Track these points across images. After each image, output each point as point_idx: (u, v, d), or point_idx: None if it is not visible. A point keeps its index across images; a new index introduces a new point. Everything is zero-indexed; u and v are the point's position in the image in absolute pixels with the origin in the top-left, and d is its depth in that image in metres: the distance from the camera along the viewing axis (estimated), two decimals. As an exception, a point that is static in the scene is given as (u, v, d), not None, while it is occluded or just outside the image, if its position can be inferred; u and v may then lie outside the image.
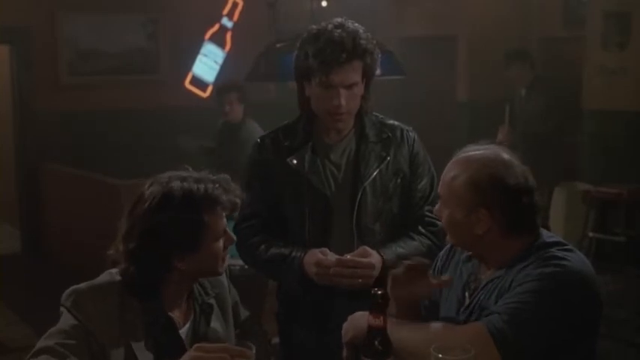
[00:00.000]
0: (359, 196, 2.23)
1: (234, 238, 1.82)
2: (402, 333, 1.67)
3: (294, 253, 2.20)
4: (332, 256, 2.15)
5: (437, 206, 1.87)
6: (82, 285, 1.71)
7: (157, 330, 1.71)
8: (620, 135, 6.17)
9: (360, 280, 2.13)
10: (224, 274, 1.93)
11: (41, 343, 1.62)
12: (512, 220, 1.73)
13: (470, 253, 1.88)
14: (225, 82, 5.26)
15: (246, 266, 3.30)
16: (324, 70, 2.13)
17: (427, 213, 2.30)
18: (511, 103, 5.98)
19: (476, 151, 1.79)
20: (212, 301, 1.87)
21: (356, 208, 2.23)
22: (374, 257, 2.16)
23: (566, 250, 1.71)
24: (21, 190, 6.51)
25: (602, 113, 6.31)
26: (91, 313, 1.65)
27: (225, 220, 1.76)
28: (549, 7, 6.95)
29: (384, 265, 2.17)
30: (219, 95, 5.18)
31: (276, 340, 2.44)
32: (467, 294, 1.84)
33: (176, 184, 1.70)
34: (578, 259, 1.69)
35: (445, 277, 1.83)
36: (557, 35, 6.95)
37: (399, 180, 2.28)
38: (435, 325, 1.72)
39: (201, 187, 1.71)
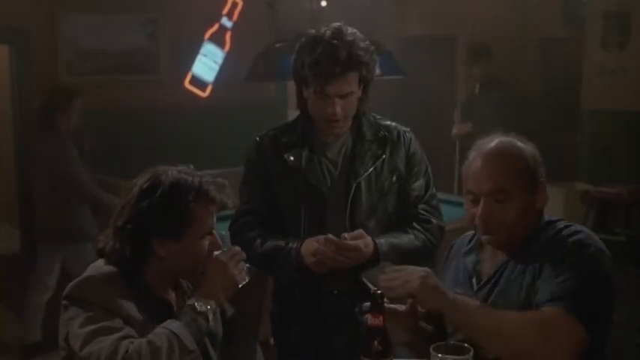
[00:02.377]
0: (352, 192, 2.24)
1: (221, 244, 1.82)
2: (478, 319, 1.72)
3: (290, 244, 2.22)
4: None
5: (486, 212, 1.80)
6: (84, 276, 1.74)
7: (154, 314, 1.73)
8: (619, 135, 6.18)
9: (341, 259, 2.15)
10: None
11: (80, 334, 1.62)
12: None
13: (472, 246, 1.93)
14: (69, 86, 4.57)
15: (246, 266, 3.32)
16: (319, 81, 2.16)
17: (422, 211, 2.32)
18: (467, 101, 6.05)
19: (497, 140, 1.86)
20: None
21: (349, 203, 2.24)
22: (364, 241, 2.17)
23: (574, 227, 1.80)
24: (20, 189, 6.50)
25: (602, 113, 6.31)
26: (105, 295, 1.68)
27: (214, 220, 1.79)
28: (549, 7, 6.95)
29: (376, 253, 2.19)
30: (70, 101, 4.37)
31: (273, 340, 2.44)
32: (474, 281, 1.88)
33: (172, 172, 1.76)
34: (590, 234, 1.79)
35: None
36: (557, 35, 6.95)
37: (394, 178, 2.29)
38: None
39: (196, 179, 1.76)
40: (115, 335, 1.60)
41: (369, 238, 2.18)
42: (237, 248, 1.83)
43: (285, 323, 2.38)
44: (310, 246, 2.18)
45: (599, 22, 6.28)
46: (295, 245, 2.21)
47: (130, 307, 1.68)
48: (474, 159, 1.85)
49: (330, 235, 2.16)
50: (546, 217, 1.86)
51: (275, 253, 2.23)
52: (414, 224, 2.30)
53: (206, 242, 1.78)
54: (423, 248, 2.29)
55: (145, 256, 1.75)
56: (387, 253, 2.20)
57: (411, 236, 2.28)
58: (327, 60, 2.12)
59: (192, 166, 1.82)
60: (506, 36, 6.91)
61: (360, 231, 2.19)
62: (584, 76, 6.47)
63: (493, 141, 1.86)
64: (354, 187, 2.24)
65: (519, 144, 1.85)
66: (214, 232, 1.80)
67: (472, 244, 1.95)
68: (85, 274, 1.75)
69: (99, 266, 1.77)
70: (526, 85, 7.00)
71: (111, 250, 1.76)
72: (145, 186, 1.74)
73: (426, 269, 1.81)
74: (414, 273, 1.79)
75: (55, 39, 6.14)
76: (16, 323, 4.83)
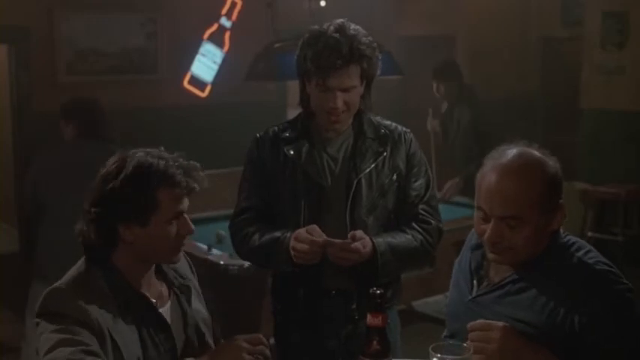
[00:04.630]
0: (353, 188, 2.25)
1: (192, 228, 1.77)
2: None
3: (285, 234, 2.21)
4: (320, 235, 2.16)
5: (496, 233, 1.69)
6: (50, 288, 1.70)
7: (133, 309, 1.70)
8: (618, 134, 6.18)
9: (340, 260, 2.16)
10: (186, 264, 1.94)
11: (47, 339, 1.60)
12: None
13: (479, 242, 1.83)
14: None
15: (245, 265, 3.32)
16: (321, 74, 2.17)
17: (421, 212, 2.32)
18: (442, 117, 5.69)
19: (515, 154, 1.71)
20: (189, 283, 1.88)
21: (350, 199, 2.24)
22: (363, 242, 2.17)
23: (589, 251, 1.73)
24: (19, 189, 6.51)
25: (601, 112, 6.32)
26: (74, 306, 1.63)
27: (184, 205, 1.74)
28: (548, 7, 6.96)
29: (374, 252, 2.19)
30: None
31: (271, 340, 2.44)
32: (475, 282, 1.84)
33: (138, 155, 1.72)
34: (603, 260, 1.72)
35: None
36: (555, 35, 6.96)
37: (395, 176, 2.30)
38: None
39: (161, 162, 1.71)
40: (78, 347, 1.57)
41: (367, 238, 2.18)
42: (262, 339, 1.75)
43: (285, 322, 2.39)
44: (301, 234, 2.16)
45: (597, 21, 6.29)
46: (289, 235, 2.20)
47: (99, 312, 1.64)
48: (490, 172, 1.70)
49: (330, 239, 2.16)
50: (563, 234, 1.76)
51: (272, 243, 2.23)
52: (413, 224, 2.31)
53: (174, 226, 1.73)
54: (420, 249, 2.29)
55: (112, 241, 1.72)
56: (385, 252, 2.21)
57: (409, 236, 2.28)
58: (329, 52, 2.15)
59: (162, 148, 1.78)
60: (506, 36, 6.92)
61: (361, 232, 2.19)
62: (583, 75, 6.48)
63: (512, 153, 1.71)
64: (355, 184, 2.25)
65: (542, 159, 1.70)
66: (185, 215, 1.75)
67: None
68: (55, 284, 1.71)
69: (72, 269, 1.74)
70: (526, 85, 7.00)
71: (80, 233, 1.74)
72: (110, 168, 1.71)
73: (504, 325, 1.64)
74: (491, 331, 1.61)
75: (54, 39, 6.13)
76: (16, 323, 4.83)
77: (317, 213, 2.25)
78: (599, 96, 6.33)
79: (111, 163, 1.73)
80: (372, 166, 2.27)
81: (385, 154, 2.29)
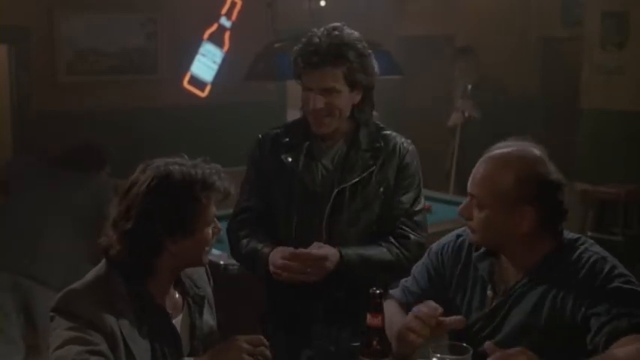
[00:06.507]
0: (332, 199, 2.23)
1: (221, 227, 1.82)
2: None
3: (264, 249, 2.21)
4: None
5: (463, 206, 1.83)
6: (72, 286, 1.71)
7: (149, 317, 1.71)
8: (618, 135, 6.18)
9: (309, 270, 2.13)
10: (204, 271, 1.95)
11: (58, 336, 1.61)
12: (552, 217, 1.76)
13: (485, 250, 1.87)
14: None
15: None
16: (299, 72, 2.21)
17: (401, 226, 2.28)
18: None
19: (508, 148, 1.79)
20: (203, 293, 1.89)
21: (328, 210, 2.23)
22: (327, 250, 2.16)
23: (592, 246, 1.79)
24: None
25: (601, 112, 6.32)
26: (89, 308, 1.64)
27: (215, 207, 1.78)
28: (548, 7, 6.95)
29: (342, 262, 2.17)
30: None
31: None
32: (489, 292, 1.85)
33: (174, 168, 1.72)
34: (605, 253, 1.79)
35: (458, 318, 1.79)
36: (555, 35, 6.96)
37: (382, 189, 2.27)
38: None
39: (199, 171, 1.73)
40: (87, 347, 1.57)
41: (330, 248, 2.16)
42: (263, 340, 1.75)
43: (280, 324, 2.37)
44: (276, 256, 2.16)
45: (597, 21, 6.29)
46: (267, 250, 2.20)
47: (115, 316, 1.64)
48: (481, 159, 1.82)
49: (295, 249, 2.14)
50: (568, 234, 1.81)
51: (252, 254, 2.24)
52: (390, 238, 2.26)
53: (211, 229, 1.77)
54: (395, 263, 2.24)
55: (156, 257, 1.72)
56: (352, 261, 2.18)
57: (383, 249, 2.24)
58: (307, 50, 2.17)
59: (185, 156, 1.79)
60: (506, 36, 6.91)
61: (317, 243, 2.17)
62: (583, 75, 6.48)
63: (503, 148, 1.80)
64: (333, 195, 2.23)
65: (532, 157, 1.76)
66: (215, 218, 1.79)
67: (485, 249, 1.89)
68: (73, 284, 1.71)
69: (92, 271, 1.74)
70: (526, 84, 7.00)
71: (117, 254, 1.71)
72: (151, 185, 1.69)
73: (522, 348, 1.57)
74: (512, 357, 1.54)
75: (54, 39, 6.14)
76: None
77: (308, 220, 2.24)
78: (599, 96, 6.32)
79: (147, 179, 1.70)
80: (357, 178, 2.24)
81: (374, 167, 2.26)
